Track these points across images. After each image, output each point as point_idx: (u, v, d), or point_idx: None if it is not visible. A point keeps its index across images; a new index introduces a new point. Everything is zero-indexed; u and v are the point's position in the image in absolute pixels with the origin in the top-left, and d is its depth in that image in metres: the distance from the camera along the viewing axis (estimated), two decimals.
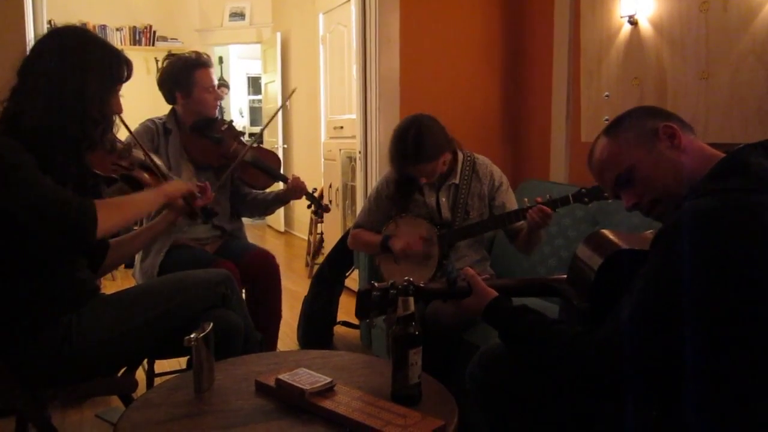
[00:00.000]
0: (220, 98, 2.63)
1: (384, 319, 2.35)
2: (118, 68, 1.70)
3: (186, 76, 2.52)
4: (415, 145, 2.23)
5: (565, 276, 1.51)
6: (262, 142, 7.27)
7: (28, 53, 1.66)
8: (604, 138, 1.34)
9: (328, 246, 4.72)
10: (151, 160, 1.97)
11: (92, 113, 1.63)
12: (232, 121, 2.75)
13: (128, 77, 1.74)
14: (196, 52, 2.64)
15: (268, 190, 2.79)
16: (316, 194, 2.72)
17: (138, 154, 1.95)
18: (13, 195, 1.50)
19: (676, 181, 1.24)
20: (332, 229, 4.92)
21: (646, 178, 1.27)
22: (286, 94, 6.97)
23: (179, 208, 1.93)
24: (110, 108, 1.69)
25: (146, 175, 1.95)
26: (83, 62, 1.62)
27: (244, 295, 2.54)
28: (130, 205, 1.71)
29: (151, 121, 2.57)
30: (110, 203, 1.63)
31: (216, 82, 2.63)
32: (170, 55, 2.64)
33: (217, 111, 2.63)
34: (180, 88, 2.54)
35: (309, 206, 2.74)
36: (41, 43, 1.66)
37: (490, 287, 1.50)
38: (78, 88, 1.60)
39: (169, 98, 2.61)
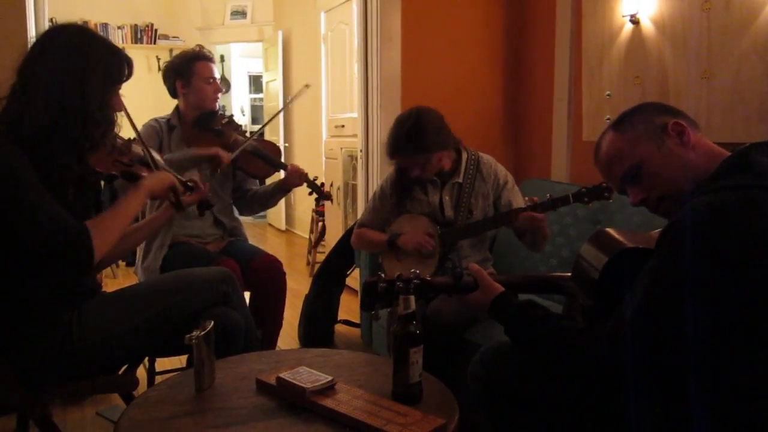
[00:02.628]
0: (220, 91, 2.66)
1: (389, 312, 2.34)
2: (119, 68, 1.70)
3: (186, 67, 2.57)
4: (410, 134, 2.24)
5: (569, 273, 1.51)
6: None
7: (28, 51, 1.66)
8: (612, 133, 1.34)
9: (329, 242, 4.73)
10: (150, 156, 1.97)
11: (93, 114, 1.63)
12: (232, 116, 2.76)
13: (129, 76, 1.73)
14: (200, 46, 2.72)
15: (268, 182, 2.80)
16: (317, 182, 2.72)
17: (137, 149, 1.95)
18: (15, 215, 1.51)
19: (683, 177, 1.24)
20: (333, 227, 4.92)
21: (655, 174, 1.27)
22: (288, 93, 6.97)
23: (165, 201, 1.93)
24: (111, 108, 1.69)
25: (145, 172, 1.95)
26: (84, 62, 1.61)
27: (247, 298, 2.54)
28: (120, 215, 1.69)
29: (154, 120, 2.61)
30: (102, 222, 1.61)
31: (217, 75, 2.65)
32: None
33: (217, 104, 2.65)
34: (180, 77, 2.59)
35: (310, 193, 2.74)
36: (42, 41, 1.65)
37: (496, 283, 1.50)
38: (79, 89, 1.60)
39: (172, 90, 2.65)
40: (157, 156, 2.08)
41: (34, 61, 1.62)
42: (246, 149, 2.58)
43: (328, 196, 2.78)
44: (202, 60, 2.60)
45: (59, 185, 1.60)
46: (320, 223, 5.23)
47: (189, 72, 2.56)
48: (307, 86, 3.05)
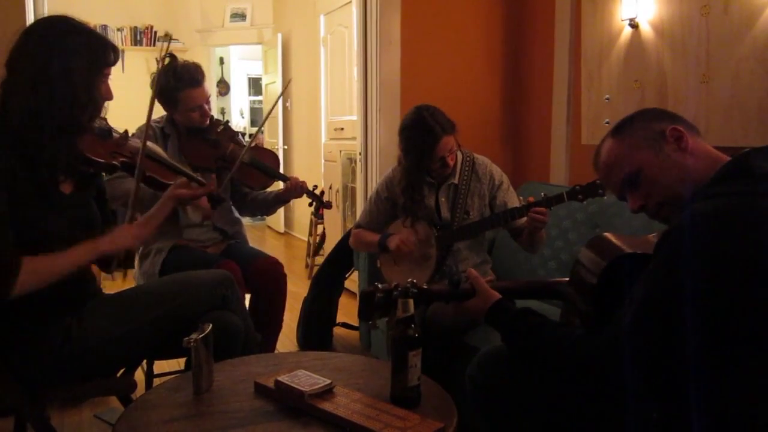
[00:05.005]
0: (208, 115, 2.56)
1: (387, 321, 2.34)
2: (103, 51, 1.68)
3: (170, 96, 2.45)
4: (434, 119, 2.26)
5: (567, 279, 1.51)
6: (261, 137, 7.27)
7: (14, 43, 1.66)
8: (611, 139, 1.35)
9: (329, 246, 4.73)
10: (153, 150, 1.95)
11: (80, 96, 1.61)
12: (228, 122, 2.72)
13: (115, 61, 1.72)
14: (186, 67, 2.48)
15: (268, 189, 2.78)
16: (317, 191, 2.70)
17: (135, 143, 1.93)
18: None
19: (682, 183, 1.24)
20: (332, 230, 4.92)
21: (653, 180, 1.27)
22: (287, 95, 6.98)
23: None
24: (98, 91, 1.67)
25: (149, 163, 1.94)
26: (68, 45, 1.61)
27: (247, 300, 2.53)
28: (62, 262, 1.60)
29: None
30: (41, 262, 1.56)
31: (210, 94, 2.55)
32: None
33: (208, 120, 2.56)
34: (165, 104, 2.51)
35: (310, 204, 2.72)
36: (26, 31, 1.66)
37: (493, 289, 1.50)
38: (64, 70, 1.59)
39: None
40: (162, 153, 2.07)
41: (20, 50, 1.62)
42: (243, 161, 2.49)
43: (329, 205, 2.76)
44: (187, 89, 2.43)
45: (50, 181, 1.60)
46: (320, 227, 5.22)
47: (174, 100, 2.45)
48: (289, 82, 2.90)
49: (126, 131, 1.93)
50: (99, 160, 1.73)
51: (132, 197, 1.81)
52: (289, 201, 2.74)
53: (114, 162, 1.79)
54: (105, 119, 1.84)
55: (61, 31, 1.63)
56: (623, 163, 1.30)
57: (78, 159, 1.69)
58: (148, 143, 1.94)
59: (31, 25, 1.69)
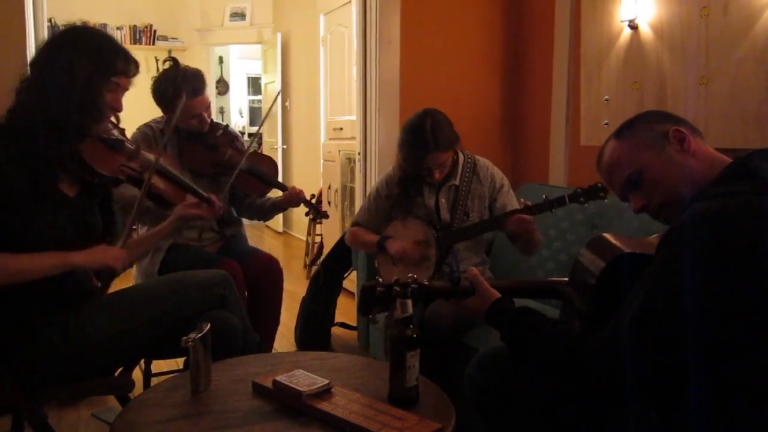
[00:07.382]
0: (207, 122, 2.55)
1: (386, 316, 2.35)
2: (113, 57, 1.68)
3: (171, 104, 2.44)
4: (433, 132, 2.24)
5: (567, 279, 1.51)
6: (260, 143, 7.27)
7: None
8: (614, 141, 1.36)
9: (327, 246, 4.72)
10: (164, 166, 1.95)
11: (78, 96, 1.61)
12: (227, 126, 2.71)
13: (128, 72, 1.72)
14: (186, 76, 2.46)
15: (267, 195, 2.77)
16: (314, 200, 2.70)
17: (147, 156, 1.93)
18: None
19: (684, 184, 1.24)
20: (331, 231, 4.92)
21: (655, 181, 1.28)
22: (286, 95, 6.97)
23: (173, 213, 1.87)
24: (101, 97, 1.66)
25: (157, 179, 1.94)
26: (76, 44, 1.63)
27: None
28: (19, 264, 1.54)
29: (148, 126, 2.53)
30: (6, 260, 1.52)
31: (210, 101, 2.56)
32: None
33: (208, 125, 2.55)
34: (164, 110, 2.50)
35: (307, 213, 2.72)
36: (50, 36, 1.73)
37: (493, 288, 1.50)
38: (66, 66, 1.60)
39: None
40: (172, 170, 2.08)
41: (38, 52, 1.67)
42: (241, 168, 2.48)
43: (325, 216, 2.75)
44: (186, 98, 2.38)
45: (46, 178, 1.60)
46: (318, 226, 5.22)
47: (173, 107, 2.42)
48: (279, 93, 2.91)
49: (137, 146, 1.91)
50: (103, 172, 1.72)
51: (134, 211, 1.81)
52: (286, 209, 2.74)
53: (119, 176, 1.78)
54: (122, 129, 1.83)
55: (76, 33, 1.67)
56: (625, 163, 1.31)
57: (80, 165, 1.68)
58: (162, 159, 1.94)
59: (56, 31, 1.73)
